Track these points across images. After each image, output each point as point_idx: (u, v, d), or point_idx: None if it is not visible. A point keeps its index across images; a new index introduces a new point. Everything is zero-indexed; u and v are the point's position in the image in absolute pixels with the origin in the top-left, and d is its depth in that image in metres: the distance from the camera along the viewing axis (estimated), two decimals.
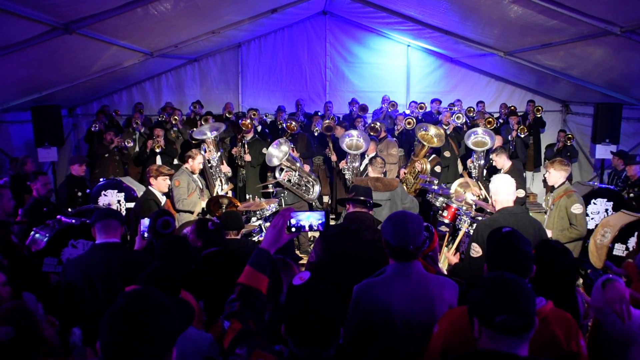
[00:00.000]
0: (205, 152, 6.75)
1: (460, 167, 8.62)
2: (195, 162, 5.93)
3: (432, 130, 7.10)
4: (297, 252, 6.93)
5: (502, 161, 6.03)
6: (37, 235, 4.66)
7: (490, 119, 8.31)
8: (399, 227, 2.44)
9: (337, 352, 1.66)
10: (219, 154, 6.96)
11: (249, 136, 7.76)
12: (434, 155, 7.27)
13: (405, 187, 7.23)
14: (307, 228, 1.99)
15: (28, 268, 3.96)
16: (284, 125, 8.31)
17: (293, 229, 1.97)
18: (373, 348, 2.42)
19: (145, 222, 3.80)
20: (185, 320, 1.46)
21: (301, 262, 5.42)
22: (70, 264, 3.20)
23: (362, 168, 7.18)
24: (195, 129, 8.02)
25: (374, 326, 2.41)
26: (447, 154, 8.03)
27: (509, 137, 8.55)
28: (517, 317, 1.65)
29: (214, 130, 6.85)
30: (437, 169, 7.14)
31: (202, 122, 8.45)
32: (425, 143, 6.90)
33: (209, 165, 6.85)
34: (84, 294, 3.06)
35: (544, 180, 9.71)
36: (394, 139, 8.35)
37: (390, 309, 2.37)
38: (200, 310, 2.93)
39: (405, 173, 7.29)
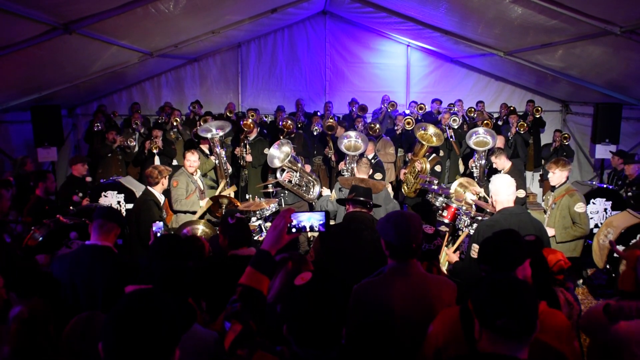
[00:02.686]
0: (218, 148, 6.78)
1: (461, 167, 8.62)
2: (186, 163, 5.91)
3: (431, 129, 7.09)
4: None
5: (502, 162, 6.04)
6: (35, 234, 4.67)
7: (488, 121, 8.33)
8: (400, 226, 2.44)
9: (339, 353, 1.66)
10: (224, 151, 7.00)
11: (252, 136, 7.76)
12: (434, 155, 7.26)
13: (405, 187, 7.23)
14: (307, 229, 1.99)
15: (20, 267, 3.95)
16: (280, 124, 8.30)
17: (294, 230, 1.97)
18: (373, 347, 2.42)
19: (159, 224, 3.79)
20: (187, 321, 1.46)
21: None
22: (58, 260, 3.20)
23: None
24: (200, 125, 8.03)
25: (374, 326, 2.41)
26: (441, 153, 8.03)
27: (509, 135, 8.56)
28: (518, 321, 1.63)
29: (219, 129, 6.84)
30: (437, 168, 7.14)
31: (202, 123, 8.44)
32: (424, 142, 6.90)
33: (224, 161, 6.91)
34: (66, 293, 3.05)
35: (540, 180, 9.75)
36: (388, 137, 8.37)
37: (389, 309, 2.38)
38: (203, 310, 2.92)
39: (405, 173, 7.28)
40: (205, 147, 7.26)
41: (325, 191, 5.90)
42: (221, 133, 6.85)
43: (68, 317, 2.92)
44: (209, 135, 6.77)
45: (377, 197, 5.20)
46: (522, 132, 8.56)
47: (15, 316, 2.18)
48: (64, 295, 3.05)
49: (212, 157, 7.06)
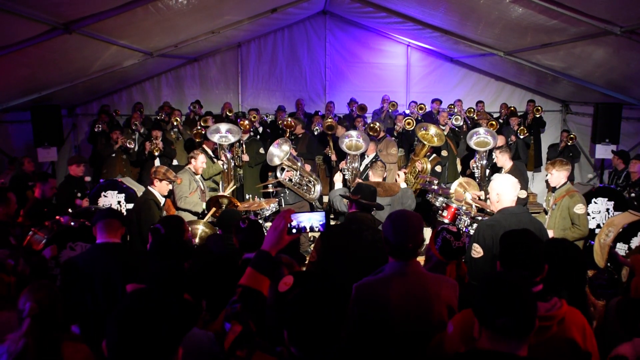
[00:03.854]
0: (228, 153, 6.81)
1: (459, 167, 8.62)
2: (199, 162, 5.93)
3: (432, 129, 7.10)
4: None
5: (503, 160, 5.99)
6: (35, 236, 4.66)
7: (493, 122, 8.33)
8: (398, 225, 2.45)
9: (339, 353, 1.66)
10: (230, 154, 7.02)
11: (246, 136, 7.74)
12: (434, 155, 7.26)
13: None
14: (308, 229, 1.99)
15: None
16: (284, 124, 8.30)
17: (294, 230, 1.97)
18: (372, 346, 2.42)
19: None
20: (190, 320, 1.47)
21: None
22: (70, 262, 3.20)
23: (361, 168, 7.18)
24: (200, 125, 8.03)
25: (373, 324, 2.42)
26: (444, 152, 8.03)
27: (509, 141, 8.57)
28: (517, 320, 1.64)
29: (229, 133, 6.81)
30: (438, 168, 7.14)
31: (202, 123, 8.44)
32: (425, 142, 6.90)
33: (232, 166, 6.93)
34: (83, 293, 3.05)
35: (547, 181, 9.75)
36: (393, 138, 8.34)
37: (387, 308, 2.38)
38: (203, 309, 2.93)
39: (405, 173, 7.27)
40: (207, 148, 7.22)
41: (337, 184, 5.81)
42: (231, 138, 6.79)
43: (88, 317, 2.93)
44: (216, 138, 6.72)
45: (394, 200, 5.22)
46: (522, 137, 8.56)
47: (28, 312, 2.23)
48: (81, 298, 3.05)
49: (220, 162, 6.95)
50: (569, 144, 8.68)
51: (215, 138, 6.78)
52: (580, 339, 2.12)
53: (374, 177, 5.53)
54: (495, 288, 1.71)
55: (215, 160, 7.11)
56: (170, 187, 5.20)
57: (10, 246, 3.99)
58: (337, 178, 5.79)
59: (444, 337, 2.21)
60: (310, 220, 2.01)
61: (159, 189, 5.09)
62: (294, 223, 1.98)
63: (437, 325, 2.37)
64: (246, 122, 7.81)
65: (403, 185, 5.61)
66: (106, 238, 3.20)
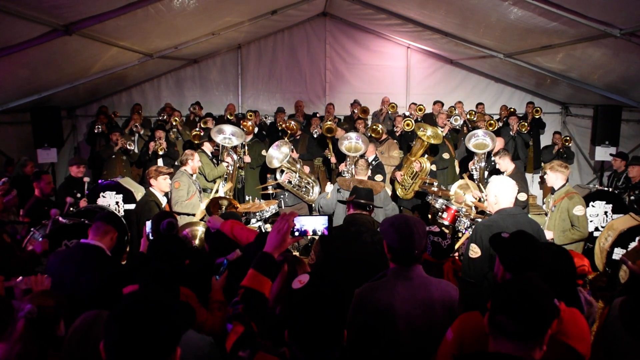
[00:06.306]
0: (234, 156, 6.83)
1: (457, 169, 8.63)
2: (195, 162, 5.93)
3: (429, 130, 7.10)
4: (296, 253, 6.93)
5: (505, 164, 5.97)
6: (34, 235, 4.68)
7: (492, 122, 8.34)
8: (403, 233, 2.41)
9: (341, 355, 1.66)
10: (234, 157, 7.02)
11: (249, 137, 7.75)
12: (426, 155, 7.23)
13: (401, 188, 7.22)
14: (310, 232, 1.99)
15: (20, 267, 3.95)
16: (284, 125, 8.31)
17: (297, 233, 1.97)
18: (374, 351, 2.41)
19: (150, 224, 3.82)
20: (187, 320, 1.46)
21: None
22: (54, 255, 3.26)
23: None
24: (200, 126, 8.01)
25: (376, 329, 2.41)
26: (445, 155, 8.03)
27: (510, 133, 8.58)
28: (511, 321, 1.62)
29: (232, 135, 6.79)
30: (433, 167, 7.12)
31: (202, 124, 8.43)
32: (424, 139, 6.89)
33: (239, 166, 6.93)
34: (55, 289, 3.04)
35: (540, 182, 9.75)
36: (395, 140, 8.35)
37: (391, 312, 2.37)
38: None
39: (402, 175, 7.22)
40: (207, 150, 7.20)
41: (328, 187, 5.86)
42: (235, 141, 6.75)
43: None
44: (219, 138, 6.69)
45: (376, 198, 5.19)
46: (523, 131, 8.57)
47: (24, 314, 2.13)
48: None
49: (224, 164, 6.89)
50: (566, 145, 8.71)
51: (218, 139, 6.76)
52: (576, 343, 2.11)
53: (358, 175, 5.53)
54: (508, 287, 1.73)
55: (214, 161, 7.09)
56: (168, 180, 5.22)
57: (4, 244, 3.98)
58: (329, 188, 5.79)
59: (443, 343, 2.20)
60: (313, 224, 2.01)
61: (158, 187, 5.12)
62: (297, 226, 1.98)
63: (441, 328, 2.36)
64: (249, 123, 7.80)
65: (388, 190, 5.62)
66: (91, 239, 3.23)
